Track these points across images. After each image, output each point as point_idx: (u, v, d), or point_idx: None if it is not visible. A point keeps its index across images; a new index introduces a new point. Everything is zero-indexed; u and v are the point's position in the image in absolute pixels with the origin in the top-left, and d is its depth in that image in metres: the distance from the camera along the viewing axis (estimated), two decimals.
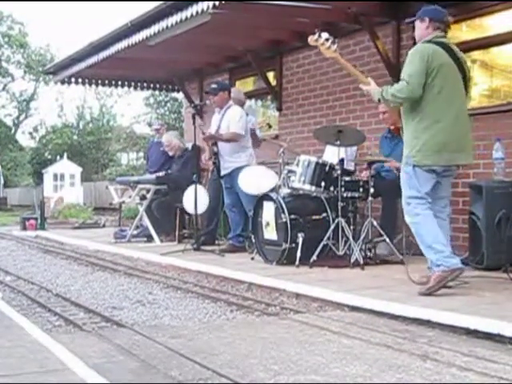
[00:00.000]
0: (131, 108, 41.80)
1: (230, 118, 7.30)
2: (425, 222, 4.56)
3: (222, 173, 7.38)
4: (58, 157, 32.23)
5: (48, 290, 5.60)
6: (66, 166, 29.91)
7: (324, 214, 6.24)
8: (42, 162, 35.17)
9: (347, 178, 6.11)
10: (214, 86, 7.52)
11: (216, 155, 7.39)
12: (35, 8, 61.62)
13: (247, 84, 10.41)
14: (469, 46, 6.33)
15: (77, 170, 30.21)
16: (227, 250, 7.21)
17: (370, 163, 6.18)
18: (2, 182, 34.75)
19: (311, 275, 5.54)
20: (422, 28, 4.65)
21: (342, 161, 6.11)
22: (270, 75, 9.48)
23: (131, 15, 8.22)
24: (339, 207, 5.96)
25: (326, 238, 5.96)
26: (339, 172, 6.01)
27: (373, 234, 6.00)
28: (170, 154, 9.02)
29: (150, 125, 29.53)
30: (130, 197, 9.35)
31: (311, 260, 5.90)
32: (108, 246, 8.49)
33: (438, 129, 4.51)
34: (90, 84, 12.00)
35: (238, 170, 7.10)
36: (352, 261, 5.81)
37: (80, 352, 3.30)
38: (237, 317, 4.43)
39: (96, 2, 54.09)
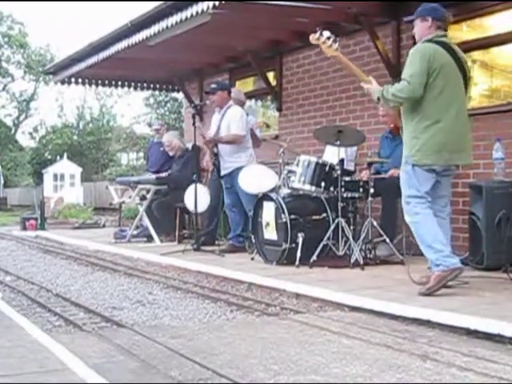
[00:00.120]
0: (131, 108, 41.90)
1: (230, 119, 7.30)
2: (424, 222, 4.56)
3: (222, 173, 7.38)
4: (58, 157, 32.23)
5: (48, 290, 5.60)
6: (65, 166, 29.91)
7: (324, 214, 6.24)
8: (42, 162, 35.18)
9: (347, 178, 6.11)
10: (213, 85, 7.53)
11: (216, 155, 7.40)
12: (35, 8, 61.65)
13: (247, 84, 10.41)
14: (469, 46, 6.33)
15: (77, 170, 30.21)
16: (227, 250, 7.21)
17: (370, 163, 6.19)
18: (2, 182, 34.75)
19: (311, 275, 5.54)
20: (423, 27, 4.62)
21: (342, 161, 6.11)
22: (270, 75, 9.48)
23: (131, 15, 8.24)
24: (339, 207, 5.96)
25: (325, 238, 5.96)
26: (339, 172, 6.01)
27: (373, 234, 6.00)
28: (171, 154, 9.03)
29: (150, 125, 29.54)
30: (130, 197, 9.35)
31: (311, 260, 5.90)
32: (108, 246, 8.49)
33: (438, 129, 4.51)
34: (90, 84, 12.00)
35: (238, 170, 7.10)
36: (352, 261, 5.81)
37: (80, 352, 3.30)
38: (237, 317, 4.43)
39: (96, 1, 54.12)
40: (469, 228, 5.77)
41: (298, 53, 8.84)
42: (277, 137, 9.07)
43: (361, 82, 4.87)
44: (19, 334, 3.64)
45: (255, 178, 6.84)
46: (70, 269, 7.16)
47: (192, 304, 4.90)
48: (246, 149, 7.36)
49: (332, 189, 6.11)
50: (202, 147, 8.21)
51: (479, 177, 6.16)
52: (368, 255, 6.00)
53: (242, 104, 7.88)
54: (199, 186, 7.47)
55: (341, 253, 5.99)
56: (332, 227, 6.00)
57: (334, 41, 4.76)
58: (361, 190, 6.10)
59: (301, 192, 6.36)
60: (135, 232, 9.09)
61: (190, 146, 8.92)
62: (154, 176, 8.82)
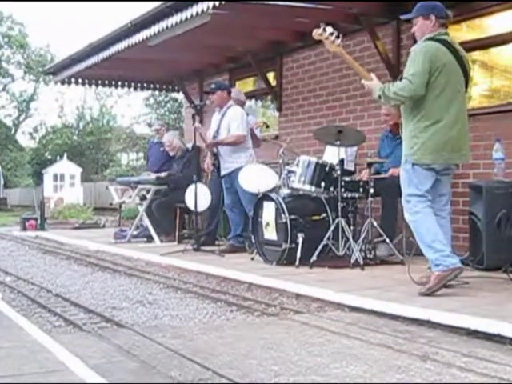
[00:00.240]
0: (131, 108, 41.92)
1: (230, 119, 7.30)
2: (424, 221, 4.55)
3: (222, 173, 7.38)
4: (58, 157, 32.27)
5: (48, 291, 5.60)
6: (65, 167, 29.94)
7: (324, 215, 6.24)
8: (42, 163, 35.21)
9: (347, 179, 6.11)
10: (212, 85, 7.55)
11: (216, 156, 7.40)
12: (35, 9, 61.68)
13: (247, 84, 10.41)
14: (469, 46, 6.32)
15: (77, 170, 30.24)
16: (227, 251, 7.21)
17: (370, 163, 6.19)
18: (2, 182, 34.76)
19: (311, 275, 5.53)
20: (426, 25, 4.58)
21: (342, 161, 6.11)
22: (270, 76, 9.48)
23: (131, 15, 8.24)
24: (339, 207, 5.96)
25: (325, 238, 5.96)
26: (339, 172, 6.01)
27: (373, 234, 6.00)
28: (171, 154, 9.03)
29: (150, 125, 29.56)
30: (130, 197, 9.35)
31: (311, 260, 5.90)
32: (108, 247, 8.49)
33: (438, 128, 4.50)
34: (90, 84, 12.00)
35: (238, 170, 7.09)
36: (352, 261, 5.81)
37: (80, 352, 3.30)
38: (237, 317, 4.43)
39: (96, 2, 54.14)
40: (469, 228, 5.77)
41: (298, 53, 8.84)
42: (277, 137, 9.08)
43: (362, 78, 4.85)
44: (19, 335, 3.63)
45: (255, 177, 6.84)
46: (70, 269, 7.16)
47: (192, 304, 4.90)
48: (245, 149, 7.36)
49: (332, 189, 6.11)
50: (202, 148, 8.21)
51: (479, 177, 6.16)
52: (368, 255, 6.00)
53: (242, 104, 7.88)
54: (200, 185, 7.47)
55: (341, 253, 5.99)
56: (332, 227, 6.00)
57: (337, 36, 4.75)
58: (361, 190, 6.10)
59: (301, 192, 6.36)
60: (135, 232, 9.09)
61: (190, 146, 8.92)
62: (154, 176, 8.82)
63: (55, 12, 65.68)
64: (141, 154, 32.98)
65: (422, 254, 4.67)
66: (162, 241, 8.53)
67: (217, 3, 6.36)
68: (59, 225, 13.96)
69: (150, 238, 8.68)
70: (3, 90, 41.10)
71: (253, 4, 6.78)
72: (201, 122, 10.18)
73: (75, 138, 38.83)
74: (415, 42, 4.78)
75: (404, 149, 4.65)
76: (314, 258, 5.91)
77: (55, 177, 29.40)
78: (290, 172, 6.42)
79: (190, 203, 7.56)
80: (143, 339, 3.72)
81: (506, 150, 5.72)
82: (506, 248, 5.22)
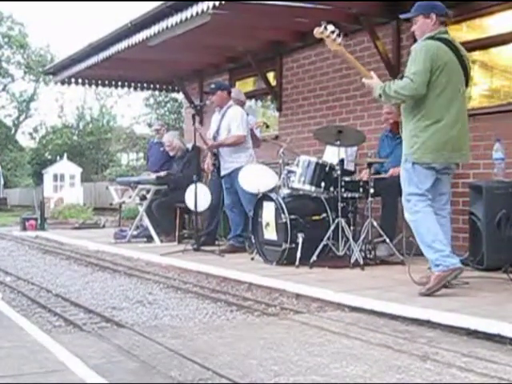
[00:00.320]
0: (131, 108, 41.91)
1: (230, 119, 7.30)
2: (425, 220, 4.54)
3: (222, 173, 7.39)
4: (58, 157, 32.27)
5: (48, 291, 5.60)
6: (65, 167, 29.94)
7: (324, 215, 6.24)
8: (42, 163, 35.21)
9: (347, 179, 6.11)
10: (212, 85, 7.55)
11: (216, 156, 7.40)
12: (35, 9, 61.69)
13: (247, 84, 10.41)
14: (469, 47, 6.31)
15: (77, 170, 30.24)
16: (227, 251, 7.21)
17: (370, 163, 6.19)
18: (2, 182, 34.77)
19: (311, 275, 5.53)
20: (427, 24, 4.56)
21: (342, 161, 6.11)
22: (270, 76, 9.48)
23: (131, 15, 8.24)
24: (339, 207, 5.96)
25: (325, 238, 5.96)
26: (339, 172, 6.01)
27: (373, 234, 6.00)
28: (171, 154, 9.03)
29: (150, 125, 29.56)
30: (130, 197, 9.35)
31: (311, 260, 5.90)
32: (108, 247, 8.49)
33: (439, 128, 4.49)
34: (90, 84, 12.01)
35: (238, 170, 7.09)
36: (352, 261, 5.81)
37: (80, 352, 3.30)
38: (237, 317, 4.43)
39: (96, 2, 54.14)
40: (469, 228, 5.77)
41: (298, 53, 8.84)
42: (277, 137, 9.08)
43: (363, 76, 4.83)
44: (19, 335, 3.63)
45: (255, 178, 6.84)
46: (70, 269, 7.16)
47: (192, 304, 4.90)
48: (245, 149, 7.36)
49: (332, 189, 6.11)
50: (202, 148, 8.21)
51: (479, 177, 6.16)
52: (368, 255, 6.00)
53: (242, 104, 7.88)
54: (200, 185, 7.46)
55: (341, 253, 5.99)
56: (332, 227, 6.00)
57: (338, 35, 4.74)
58: (361, 190, 6.10)
59: (301, 192, 6.36)
60: (135, 232, 9.09)
61: (190, 146, 8.92)
62: (154, 176, 8.82)
63: (55, 12, 65.75)
64: (141, 154, 32.99)
65: (422, 254, 4.67)
66: (161, 241, 8.53)
67: (217, 3, 6.36)
68: (59, 225, 13.97)
69: (149, 238, 8.68)
70: (3, 90, 41.11)
71: (253, 4, 6.78)
72: (201, 122, 10.21)
73: (75, 138, 38.83)
74: (415, 41, 4.78)
75: (404, 148, 4.65)
76: (314, 258, 5.91)
77: (55, 177, 29.41)
78: (289, 172, 6.42)
79: (189, 203, 7.56)
80: (143, 339, 3.72)
81: (506, 149, 5.72)
82: (506, 248, 5.22)
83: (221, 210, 7.86)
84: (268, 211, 6.31)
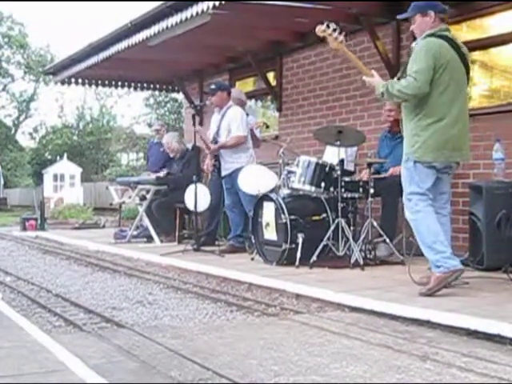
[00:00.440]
0: (131, 108, 41.90)
1: (230, 120, 7.30)
2: (425, 220, 4.53)
3: (223, 173, 7.39)
4: (58, 157, 32.28)
5: (48, 291, 5.60)
6: (65, 167, 29.94)
7: (324, 215, 6.24)
8: (42, 163, 35.21)
9: (347, 179, 6.11)
10: (212, 86, 7.53)
11: (216, 156, 7.40)
12: (35, 9, 61.71)
13: (247, 84, 10.42)
14: (469, 47, 6.30)
15: (77, 170, 30.24)
16: (227, 251, 7.21)
17: (370, 163, 6.19)
18: (2, 182, 34.77)
19: (311, 276, 5.53)
20: (426, 22, 4.53)
21: (342, 161, 6.11)
22: (270, 76, 9.48)
23: (131, 15, 8.24)
24: (339, 208, 5.96)
25: (325, 238, 5.96)
26: (339, 172, 6.01)
27: (373, 234, 6.00)
28: (171, 155, 9.03)
29: (150, 125, 29.55)
30: (130, 197, 9.35)
31: (311, 260, 5.90)
32: (108, 247, 8.49)
33: (440, 127, 4.47)
34: (90, 84, 12.01)
35: (239, 170, 7.09)
36: (352, 261, 5.80)
37: (80, 352, 3.30)
38: (237, 317, 4.43)
39: (96, 2, 54.16)
40: (469, 228, 5.77)
41: (298, 53, 8.84)
42: (277, 137, 9.08)
43: (364, 74, 4.81)
44: (19, 335, 3.63)
45: (254, 179, 6.84)
46: (70, 269, 7.16)
47: (192, 304, 4.90)
48: (246, 149, 7.36)
49: (332, 189, 6.11)
50: (202, 148, 8.21)
51: (479, 177, 6.16)
52: (368, 255, 6.00)
53: (243, 104, 7.88)
54: (199, 185, 7.46)
55: (341, 253, 5.99)
56: (332, 227, 5.99)
57: (340, 33, 4.74)
58: (361, 190, 6.10)
59: (301, 192, 6.36)
60: (135, 232, 9.09)
61: (190, 146, 8.92)
62: (153, 176, 8.82)
63: (55, 12, 65.76)
64: (141, 154, 32.99)
65: (422, 254, 4.67)
66: (161, 241, 8.52)
67: (217, 3, 6.36)
68: (59, 225, 13.97)
69: (149, 239, 8.68)
70: (3, 90, 41.12)
71: (253, 4, 6.78)
72: (201, 122, 10.21)
73: (75, 138, 38.83)
74: (415, 39, 4.76)
75: (405, 147, 4.63)
76: (314, 258, 5.91)
77: (55, 177, 29.41)
78: (289, 172, 6.42)
79: (189, 204, 7.56)
80: (143, 339, 3.72)
81: (506, 150, 5.72)
82: (506, 248, 5.22)
83: (221, 210, 7.86)
84: (268, 211, 6.31)
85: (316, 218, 6.24)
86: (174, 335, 3.82)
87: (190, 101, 10.93)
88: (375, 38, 7.17)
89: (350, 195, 6.09)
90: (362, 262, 5.79)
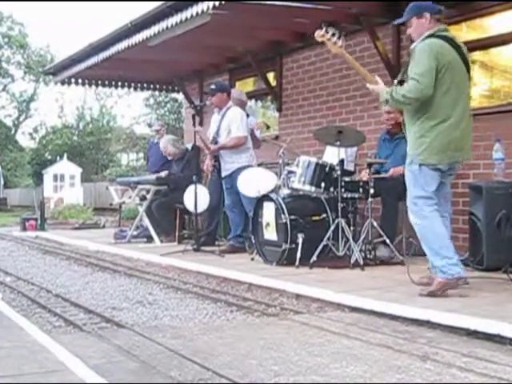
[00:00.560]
0: (131, 109, 41.84)
1: (229, 120, 7.29)
2: (432, 226, 4.47)
3: (223, 174, 7.39)
4: (58, 157, 32.26)
5: (48, 291, 5.60)
6: (65, 167, 29.93)
7: (324, 215, 6.24)
8: (42, 163, 35.21)
9: (347, 179, 6.10)
10: (212, 86, 7.53)
11: (216, 156, 7.41)
12: (35, 9, 61.73)
13: (247, 85, 10.41)
14: (469, 47, 6.30)
15: (77, 170, 30.23)
16: (227, 251, 7.21)
17: (370, 164, 6.19)
18: (2, 182, 34.77)
19: (311, 276, 5.53)
20: (422, 24, 4.51)
21: (342, 161, 6.11)
22: (270, 76, 9.48)
23: (131, 15, 8.24)
24: (339, 208, 5.96)
25: (325, 238, 5.96)
26: (339, 173, 6.01)
27: (373, 234, 6.00)
28: (169, 158, 9.04)
29: (149, 125, 29.55)
30: (130, 197, 9.35)
31: (311, 261, 5.90)
32: (108, 247, 8.49)
33: (445, 128, 4.42)
34: (90, 85, 12.01)
35: (239, 170, 7.10)
36: (352, 261, 5.80)
37: (80, 352, 3.30)
38: (237, 317, 4.43)
39: (96, 2, 54.17)
40: (469, 228, 5.77)
41: (298, 53, 8.84)
42: (277, 137, 9.07)
43: (367, 82, 4.79)
44: (19, 335, 3.63)
45: (254, 181, 6.82)
46: (70, 269, 7.16)
47: (192, 304, 4.90)
48: (246, 149, 7.36)
49: (332, 189, 6.11)
50: (202, 148, 8.21)
51: (479, 177, 6.16)
52: (368, 256, 6.00)
53: (243, 104, 7.88)
54: (199, 186, 7.46)
55: (341, 253, 5.99)
56: (332, 228, 5.99)
57: (339, 37, 4.72)
58: (361, 190, 6.10)
59: (301, 192, 6.36)
60: (135, 232, 9.09)
61: (189, 146, 8.91)
62: (153, 176, 8.82)
63: (55, 12, 65.76)
64: (141, 155, 32.97)
65: (421, 255, 4.67)
66: (162, 241, 8.53)
67: (217, 3, 6.36)
68: (59, 225, 13.97)
69: (150, 239, 8.68)
70: (3, 90, 41.11)
71: (253, 4, 6.78)
72: (201, 122, 10.21)
73: (75, 138, 38.82)
74: (412, 42, 4.74)
75: (409, 149, 4.57)
76: (314, 258, 5.91)
77: (55, 177, 29.39)
78: (289, 172, 6.42)
79: (188, 204, 7.55)
80: (143, 339, 3.72)
81: (506, 150, 5.72)
82: (506, 248, 5.22)
83: (221, 210, 7.86)
84: (268, 211, 6.31)
85: (316, 218, 6.24)
86: (174, 335, 3.82)
87: (190, 101, 10.93)
88: (375, 38, 7.16)
89: (349, 195, 6.09)
90: (361, 262, 5.79)
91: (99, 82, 11.97)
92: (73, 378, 2.80)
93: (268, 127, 8.52)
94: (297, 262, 5.96)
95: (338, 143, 6.12)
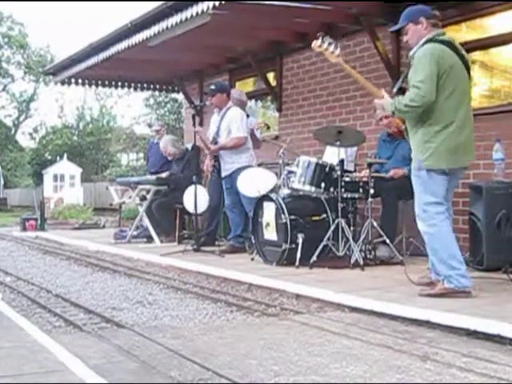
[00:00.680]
0: (131, 109, 41.84)
1: (229, 121, 7.30)
2: (441, 235, 4.41)
3: (223, 174, 7.39)
4: (58, 157, 32.27)
5: (48, 291, 5.60)
6: (65, 167, 29.94)
7: (324, 215, 6.24)
8: (42, 163, 35.21)
9: (347, 179, 6.11)
10: (212, 87, 7.53)
11: (216, 157, 7.41)
12: (35, 9, 61.74)
13: (247, 85, 10.41)
14: (469, 47, 6.31)
15: (77, 170, 30.23)
16: (227, 251, 7.21)
17: (370, 164, 6.18)
18: (2, 182, 34.77)
19: (311, 276, 5.53)
20: (419, 30, 4.48)
21: (342, 161, 6.11)
22: (270, 76, 9.48)
23: (131, 15, 8.24)
24: (339, 208, 5.96)
25: (325, 238, 5.96)
26: (339, 173, 6.01)
27: (373, 234, 6.00)
28: (169, 158, 9.04)
29: (150, 126, 29.53)
30: (130, 197, 9.35)
31: (311, 261, 5.90)
32: (108, 247, 8.49)
33: (450, 133, 4.38)
34: (90, 85, 12.01)
35: (239, 170, 7.10)
36: (352, 262, 5.80)
37: (80, 352, 3.30)
38: (237, 317, 4.43)
39: (96, 2, 54.17)
40: (469, 228, 5.77)
41: (298, 53, 8.84)
42: (277, 137, 9.07)
43: (366, 90, 4.76)
44: (19, 335, 3.64)
45: (253, 181, 6.82)
46: (70, 269, 7.16)
47: (192, 305, 4.90)
48: (246, 149, 7.36)
49: (332, 189, 6.11)
50: (202, 148, 8.21)
51: (479, 177, 6.15)
52: (368, 256, 6.00)
53: (243, 105, 7.88)
54: (198, 187, 7.45)
55: (341, 253, 5.99)
56: (332, 228, 5.99)
57: (336, 46, 4.72)
58: (361, 190, 6.10)
59: (301, 192, 6.36)
60: (135, 232, 9.09)
61: (189, 146, 8.91)
62: (154, 176, 8.82)
63: (55, 12, 65.77)
64: (141, 155, 32.96)
65: (421, 255, 4.67)
66: (162, 241, 8.53)
67: (217, 3, 6.36)
68: (59, 225, 13.97)
69: (150, 239, 8.68)
70: (3, 90, 41.12)
71: (253, 4, 6.78)
72: (201, 122, 10.21)
73: (75, 138, 38.82)
74: (410, 48, 4.71)
75: (415, 154, 4.51)
76: (314, 258, 5.91)
77: (55, 177, 29.40)
78: (289, 172, 6.42)
79: (188, 205, 7.55)
80: (143, 339, 3.72)
81: (506, 150, 5.72)
82: (506, 248, 5.22)
83: (221, 210, 7.86)
84: (268, 211, 6.31)
85: (316, 218, 6.24)
86: (173, 335, 3.82)
87: (190, 101, 10.93)
88: (375, 39, 7.16)
89: (349, 195, 6.09)
90: (361, 262, 5.79)
91: (99, 82, 11.97)
92: (73, 378, 2.80)
93: (268, 127, 8.52)
94: (297, 262, 5.96)
95: (338, 143, 6.12)
